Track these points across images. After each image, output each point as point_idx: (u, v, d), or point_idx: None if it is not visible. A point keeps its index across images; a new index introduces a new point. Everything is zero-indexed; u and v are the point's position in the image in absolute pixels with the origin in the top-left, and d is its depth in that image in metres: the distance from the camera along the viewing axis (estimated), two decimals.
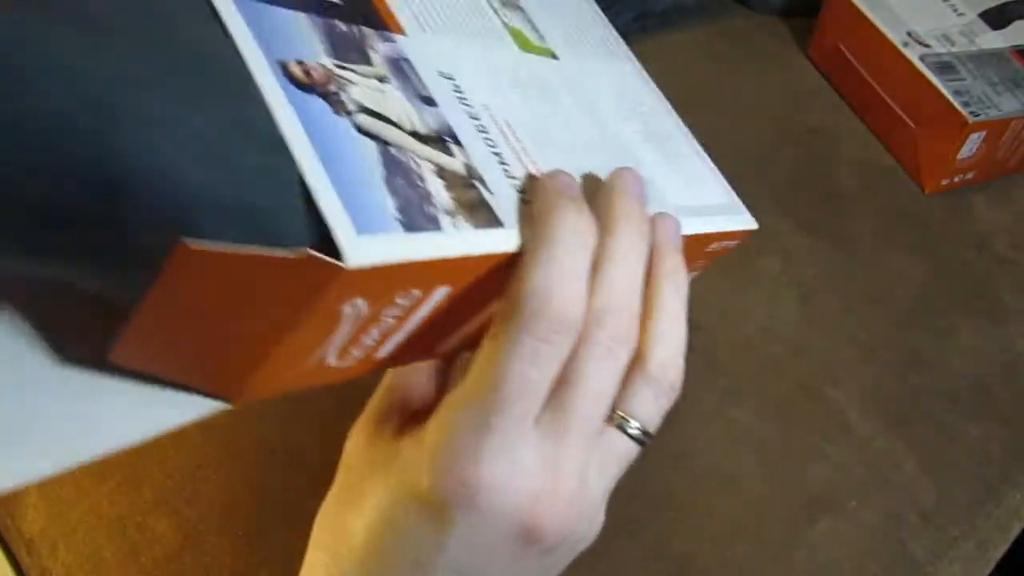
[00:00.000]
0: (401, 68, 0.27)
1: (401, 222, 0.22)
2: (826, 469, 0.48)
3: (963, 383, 0.53)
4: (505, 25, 0.33)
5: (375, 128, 0.24)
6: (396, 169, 0.23)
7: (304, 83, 0.23)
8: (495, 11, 0.33)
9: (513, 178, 0.27)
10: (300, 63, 0.23)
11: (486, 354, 0.25)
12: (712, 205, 0.35)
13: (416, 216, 0.23)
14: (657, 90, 0.39)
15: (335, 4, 0.26)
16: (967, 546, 0.46)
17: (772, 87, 0.72)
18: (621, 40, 0.40)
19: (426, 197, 0.23)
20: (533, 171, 0.28)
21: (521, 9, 0.35)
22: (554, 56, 0.34)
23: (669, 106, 0.38)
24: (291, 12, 0.25)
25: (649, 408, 0.28)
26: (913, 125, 0.64)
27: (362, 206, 0.22)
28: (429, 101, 0.26)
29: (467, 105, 0.28)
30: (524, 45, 0.33)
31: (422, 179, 0.24)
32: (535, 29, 0.35)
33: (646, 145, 0.34)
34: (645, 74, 0.39)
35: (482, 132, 0.27)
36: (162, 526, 0.45)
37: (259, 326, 0.23)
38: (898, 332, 0.55)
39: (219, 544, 0.43)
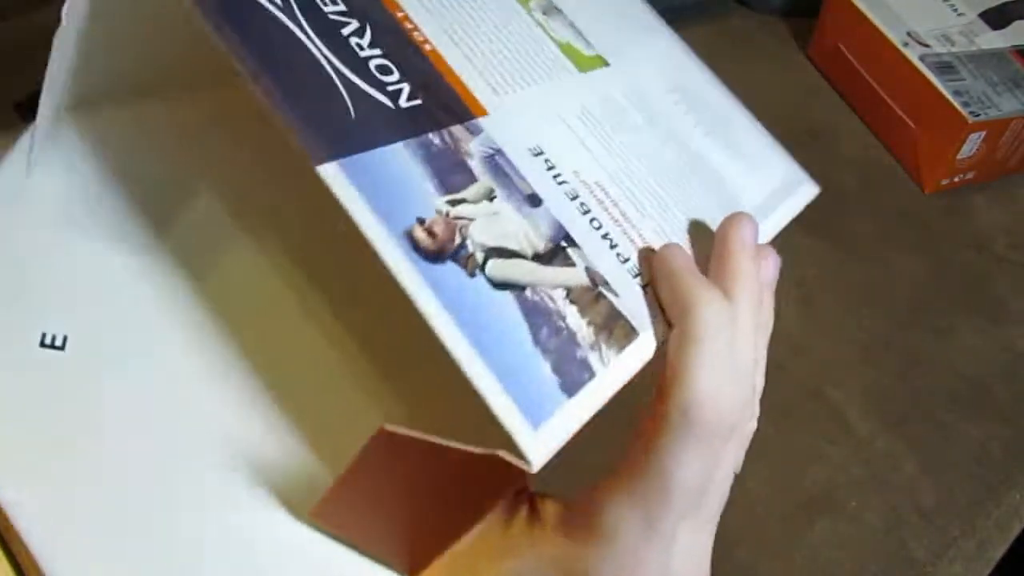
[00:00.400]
0: (498, 166, 0.27)
1: (560, 385, 0.23)
2: (826, 469, 0.48)
3: (963, 383, 0.53)
4: (557, 44, 0.33)
5: (506, 273, 0.24)
6: (538, 318, 0.24)
7: (431, 250, 0.23)
8: (542, 27, 0.34)
9: (626, 260, 0.27)
10: (422, 224, 0.23)
11: (650, 455, 0.25)
12: (780, 187, 0.35)
13: (570, 369, 0.23)
14: (695, 57, 0.39)
15: (419, 105, 0.26)
16: (967, 546, 0.46)
17: (772, 87, 0.72)
18: (648, 6, 0.40)
19: (571, 339, 0.24)
20: (639, 243, 0.28)
21: (560, 12, 0.35)
22: (605, 63, 0.35)
23: (710, 73, 0.38)
24: (391, 147, 0.25)
25: (741, 460, 0.29)
26: (913, 125, 0.64)
27: (527, 391, 0.22)
28: (534, 199, 0.27)
29: (563, 183, 0.28)
30: (579, 63, 0.33)
31: (561, 316, 0.24)
32: (580, 35, 0.35)
33: (711, 141, 0.34)
34: (681, 41, 0.39)
35: (586, 213, 0.28)
36: None
37: (442, 513, 0.25)
38: (898, 332, 0.55)
39: None
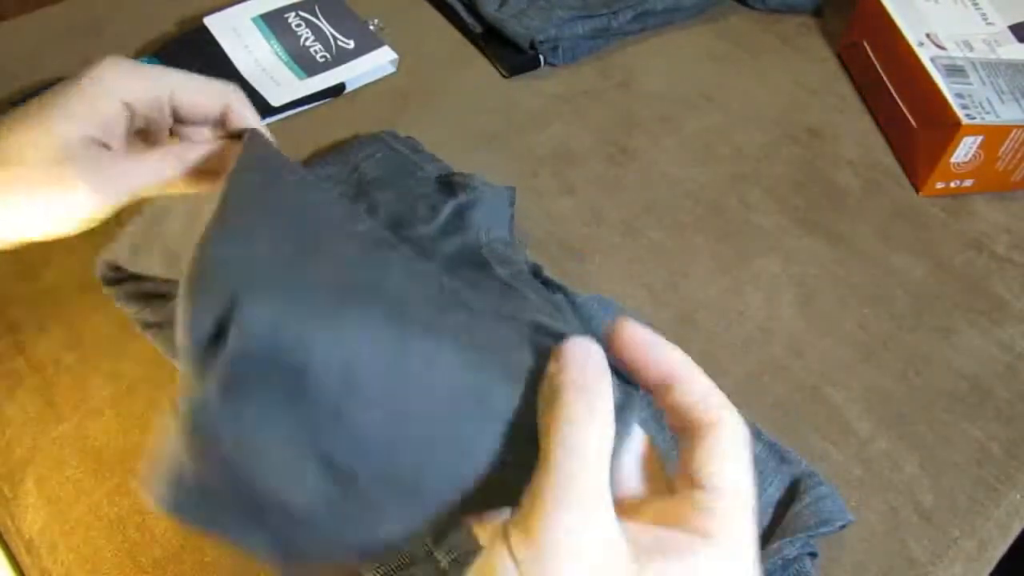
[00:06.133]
0: None
1: None
2: (826, 469, 0.48)
3: (963, 383, 0.53)
4: None
5: None
6: None
7: None
8: None
9: None
10: None
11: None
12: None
13: None
14: None
15: None
16: (967, 546, 0.47)
17: (772, 87, 0.72)
18: None
19: None
20: None
21: None
22: None
23: None
24: None
25: None
26: (915, 125, 0.64)
27: None
28: None
29: None
30: None
31: None
32: None
33: None
34: None
35: None
36: (162, 526, 0.44)
37: None
38: (898, 332, 0.55)
39: (219, 545, 0.43)
